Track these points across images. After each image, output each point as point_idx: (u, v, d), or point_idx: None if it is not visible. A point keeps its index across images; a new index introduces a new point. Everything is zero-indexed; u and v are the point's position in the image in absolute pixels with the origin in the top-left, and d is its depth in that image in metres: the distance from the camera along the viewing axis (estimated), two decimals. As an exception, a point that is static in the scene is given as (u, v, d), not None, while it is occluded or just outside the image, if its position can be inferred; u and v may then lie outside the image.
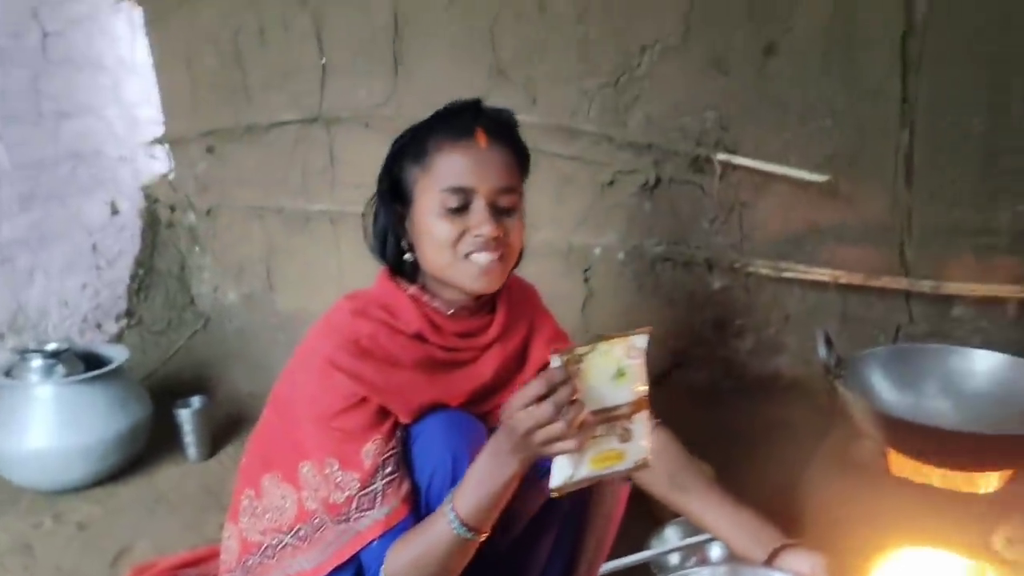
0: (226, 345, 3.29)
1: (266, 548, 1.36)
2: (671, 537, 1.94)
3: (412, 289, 1.30)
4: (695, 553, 1.91)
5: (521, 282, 1.51)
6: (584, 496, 1.37)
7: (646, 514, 1.94)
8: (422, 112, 1.30)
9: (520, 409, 1.03)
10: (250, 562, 1.39)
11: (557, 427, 1.01)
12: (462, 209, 1.22)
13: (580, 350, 1.03)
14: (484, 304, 1.35)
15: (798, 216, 2.30)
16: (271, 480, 1.35)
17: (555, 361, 1.02)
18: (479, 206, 1.23)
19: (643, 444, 1.09)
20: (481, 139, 1.23)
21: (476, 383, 1.34)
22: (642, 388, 1.07)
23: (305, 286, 3.13)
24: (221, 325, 3.36)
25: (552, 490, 1.08)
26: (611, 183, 2.49)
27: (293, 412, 1.29)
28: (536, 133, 2.52)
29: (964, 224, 2.14)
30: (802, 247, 2.30)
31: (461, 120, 1.25)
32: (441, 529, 1.15)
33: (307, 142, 2.95)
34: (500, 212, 1.25)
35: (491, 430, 1.31)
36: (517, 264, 1.36)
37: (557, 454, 1.05)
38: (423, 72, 2.71)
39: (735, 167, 2.31)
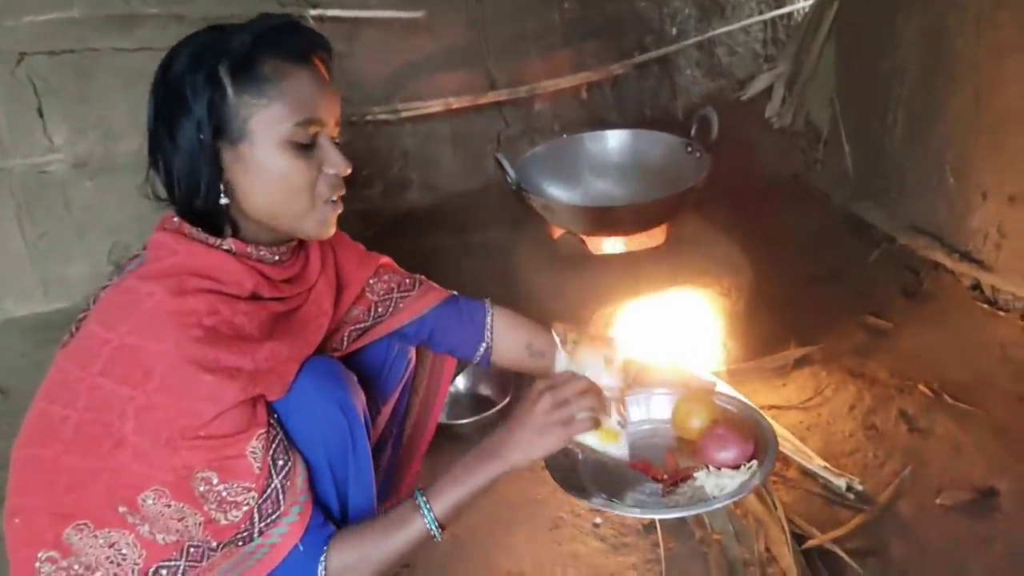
0: None
1: None
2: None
3: (228, 243, 1.07)
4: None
5: None
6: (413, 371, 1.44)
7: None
8: None
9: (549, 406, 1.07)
10: None
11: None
12: (310, 146, 1.04)
13: (572, 336, 1.17)
14: (296, 243, 1.18)
15: (393, 56, 2.39)
16: (81, 532, 1.04)
17: (560, 356, 1.16)
18: (326, 142, 1.06)
19: (625, 442, 1.13)
20: (320, 64, 1.05)
21: (324, 324, 1.20)
22: (621, 384, 1.17)
23: None
24: None
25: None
26: (193, 67, 2.27)
27: (104, 439, 1.00)
28: (85, 30, 2.16)
29: (528, 31, 2.46)
30: (405, 84, 2.43)
31: (293, 41, 1.04)
32: (413, 527, 1.07)
33: None
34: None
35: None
36: None
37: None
38: None
39: (324, 20, 2.28)
